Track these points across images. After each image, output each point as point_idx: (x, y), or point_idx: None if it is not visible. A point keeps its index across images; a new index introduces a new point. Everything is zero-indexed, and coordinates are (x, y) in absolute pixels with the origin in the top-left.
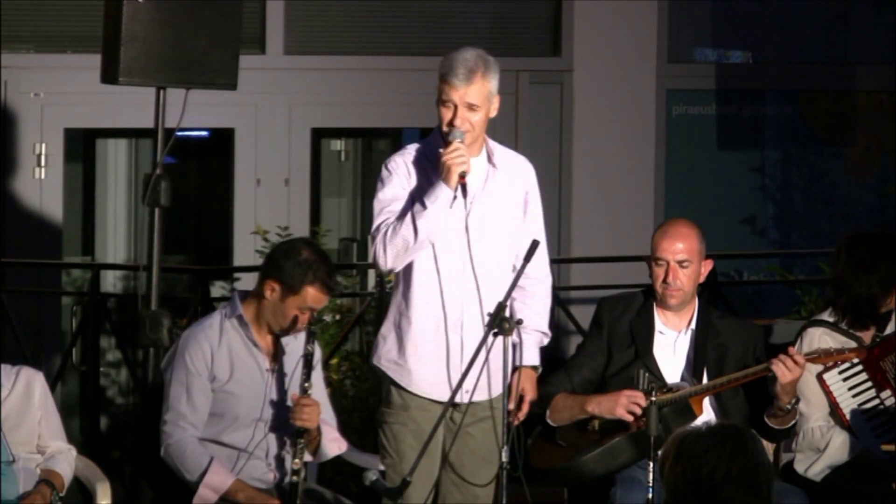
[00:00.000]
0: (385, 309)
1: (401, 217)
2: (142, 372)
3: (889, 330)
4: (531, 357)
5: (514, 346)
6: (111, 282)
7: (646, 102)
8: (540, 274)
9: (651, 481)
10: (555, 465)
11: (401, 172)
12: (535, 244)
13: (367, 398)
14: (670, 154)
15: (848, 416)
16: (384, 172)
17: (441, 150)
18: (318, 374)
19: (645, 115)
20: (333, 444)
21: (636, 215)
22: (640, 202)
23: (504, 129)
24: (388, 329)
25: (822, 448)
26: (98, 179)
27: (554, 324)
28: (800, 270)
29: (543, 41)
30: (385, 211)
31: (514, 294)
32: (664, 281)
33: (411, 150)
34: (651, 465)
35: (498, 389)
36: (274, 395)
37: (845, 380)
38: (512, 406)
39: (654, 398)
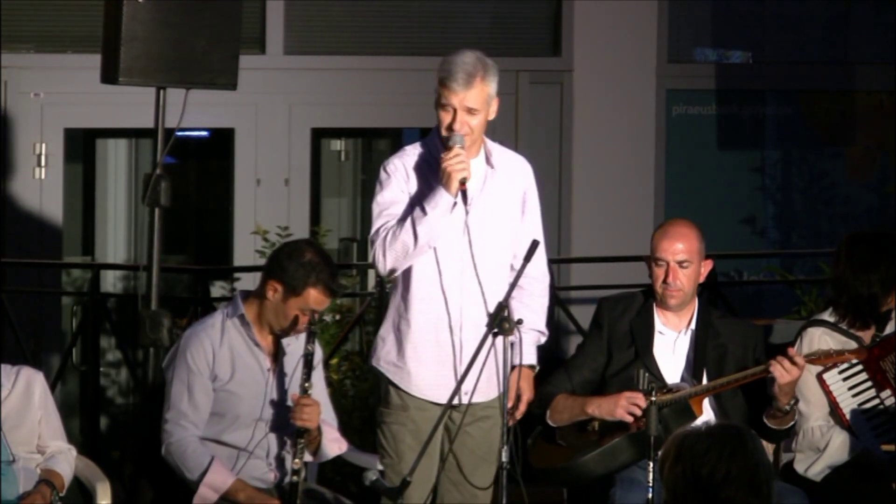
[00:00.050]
0: (385, 309)
1: (401, 221)
2: (142, 372)
3: (889, 330)
4: (528, 356)
5: (511, 345)
6: (111, 282)
7: (646, 102)
8: (538, 273)
9: (651, 481)
10: (555, 465)
11: (399, 175)
12: (535, 244)
13: (367, 398)
14: (670, 154)
15: (848, 416)
16: (383, 175)
17: (443, 156)
18: (318, 374)
19: (645, 115)
20: (334, 445)
21: (636, 215)
22: (640, 202)
23: (504, 129)
24: (386, 331)
25: (822, 448)
26: (98, 179)
27: (553, 324)
28: (800, 270)
29: (543, 41)
30: (384, 214)
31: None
32: (664, 281)
33: (410, 151)
34: (651, 465)
35: (496, 390)
36: (275, 395)
37: (845, 380)
38: (510, 405)
39: (653, 398)
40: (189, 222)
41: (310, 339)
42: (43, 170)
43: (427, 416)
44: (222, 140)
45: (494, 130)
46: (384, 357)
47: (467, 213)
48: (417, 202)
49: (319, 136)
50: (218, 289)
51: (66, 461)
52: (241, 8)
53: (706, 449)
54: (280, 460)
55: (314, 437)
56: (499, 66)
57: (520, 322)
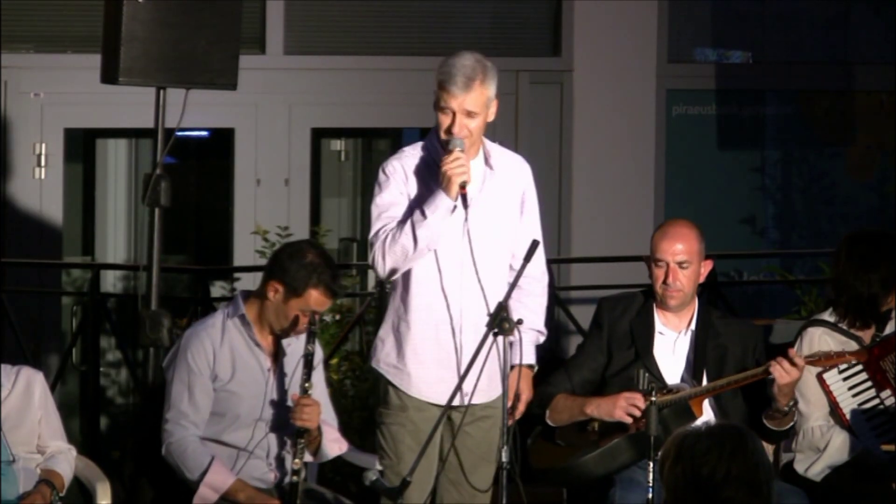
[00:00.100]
0: (384, 310)
1: (400, 223)
2: (142, 372)
3: (889, 329)
4: (527, 356)
5: (510, 344)
6: (111, 282)
7: (646, 102)
8: (536, 272)
9: (651, 481)
10: (554, 465)
11: (398, 177)
12: (535, 244)
13: (367, 398)
14: (670, 154)
15: (848, 416)
16: (381, 177)
17: (445, 159)
18: (319, 375)
19: (645, 115)
20: (334, 445)
21: (636, 215)
22: (640, 202)
23: (504, 129)
24: (386, 332)
25: (822, 448)
26: (98, 179)
27: (553, 324)
28: (800, 270)
29: (543, 41)
30: (383, 216)
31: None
32: (664, 282)
33: (409, 152)
34: (651, 465)
35: (497, 391)
36: (275, 395)
37: (845, 379)
38: (509, 404)
39: (653, 399)
40: (189, 222)
41: (310, 339)
42: (43, 170)
43: (426, 417)
44: (222, 140)
45: (494, 130)
46: (384, 359)
47: (467, 218)
48: (417, 205)
49: (319, 136)
50: (218, 289)
51: (66, 461)
52: (241, 8)
53: (706, 449)
54: (280, 460)
55: (314, 438)
56: (499, 66)
57: (520, 322)
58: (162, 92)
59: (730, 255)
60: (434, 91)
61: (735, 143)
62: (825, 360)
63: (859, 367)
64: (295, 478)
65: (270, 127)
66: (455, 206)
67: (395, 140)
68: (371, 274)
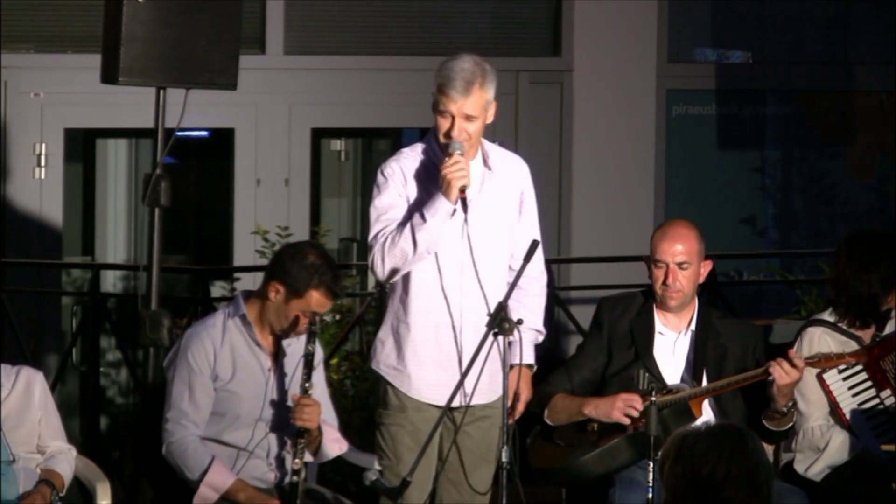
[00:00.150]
0: (384, 311)
1: (400, 226)
2: (142, 372)
3: (889, 329)
4: (526, 355)
5: (509, 344)
6: (111, 282)
7: (646, 102)
8: (535, 272)
9: (651, 481)
10: (554, 465)
11: (397, 179)
12: (535, 244)
13: (367, 398)
14: (670, 154)
15: (848, 416)
16: (380, 179)
17: (444, 162)
18: (319, 375)
19: (645, 115)
20: (334, 445)
21: (636, 215)
22: (640, 202)
23: (504, 129)
24: (385, 334)
25: (822, 447)
26: (98, 179)
27: (553, 324)
28: (800, 270)
29: (543, 41)
30: (382, 219)
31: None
32: (664, 283)
33: (407, 154)
34: (651, 465)
35: (496, 392)
36: (275, 395)
37: (845, 379)
38: (508, 404)
39: (654, 398)
40: (189, 222)
41: (310, 339)
42: (43, 170)
43: (425, 418)
44: (222, 140)
45: (494, 130)
46: (384, 360)
47: (467, 222)
48: (416, 208)
49: (319, 136)
50: (218, 289)
51: (66, 461)
52: (241, 8)
53: (706, 449)
54: (280, 460)
55: (314, 438)
56: (499, 66)
57: (520, 322)
58: (162, 92)
59: (730, 255)
60: (432, 93)
61: (735, 143)
62: (825, 362)
63: (859, 367)
64: (295, 478)
65: (270, 127)
66: (455, 210)
67: (395, 140)
68: (371, 274)
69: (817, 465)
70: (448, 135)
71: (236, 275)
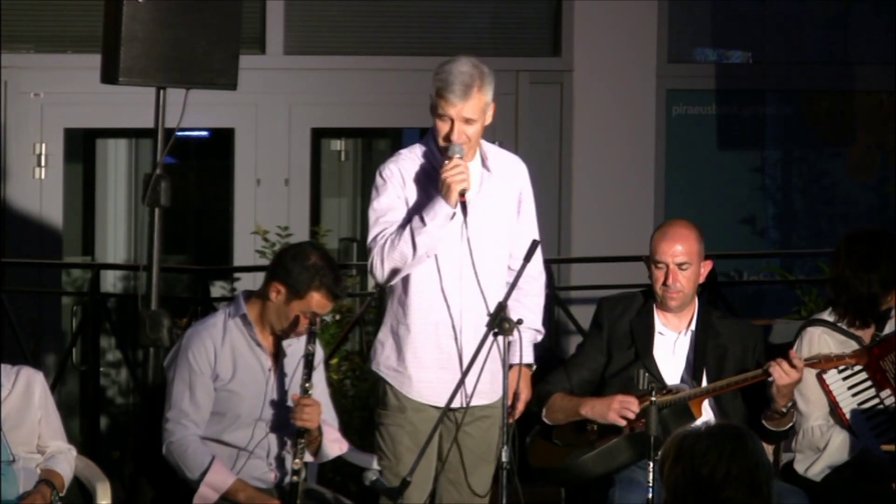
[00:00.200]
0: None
1: (399, 228)
2: (142, 372)
3: (889, 328)
4: (526, 355)
5: (508, 343)
6: (111, 282)
7: (646, 102)
8: (534, 271)
9: (651, 481)
10: (553, 465)
11: (395, 181)
12: (535, 244)
13: (367, 398)
14: (670, 154)
15: (848, 416)
16: (378, 181)
17: (444, 166)
18: (319, 375)
19: (645, 115)
20: (334, 445)
21: (636, 215)
22: (640, 202)
23: (504, 129)
24: (385, 335)
25: (822, 447)
26: (98, 179)
27: (553, 324)
28: (800, 270)
29: (543, 41)
30: (381, 221)
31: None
32: (664, 283)
33: (405, 155)
34: (651, 465)
35: (497, 392)
36: (275, 395)
37: (845, 379)
38: (508, 403)
39: (654, 398)
40: (189, 222)
41: (311, 339)
42: (43, 170)
43: (424, 418)
44: (222, 140)
45: (494, 130)
46: (384, 362)
47: (467, 226)
48: (416, 211)
49: (319, 136)
50: (218, 289)
51: (66, 461)
52: (241, 8)
53: (706, 449)
54: (280, 460)
55: (315, 438)
56: (499, 66)
57: (520, 322)
58: (162, 92)
59: (730, 255)
60: (430, 96)
61: (735, 143)
62: (825, 363)
63: (859, 367)
64: (295, 478)
65: (270, 127)
66: (454, 214)
67: (395, 140)
68: (370, 276)
69: (817, 465)
70: (448, 138)
71: (236, 275)
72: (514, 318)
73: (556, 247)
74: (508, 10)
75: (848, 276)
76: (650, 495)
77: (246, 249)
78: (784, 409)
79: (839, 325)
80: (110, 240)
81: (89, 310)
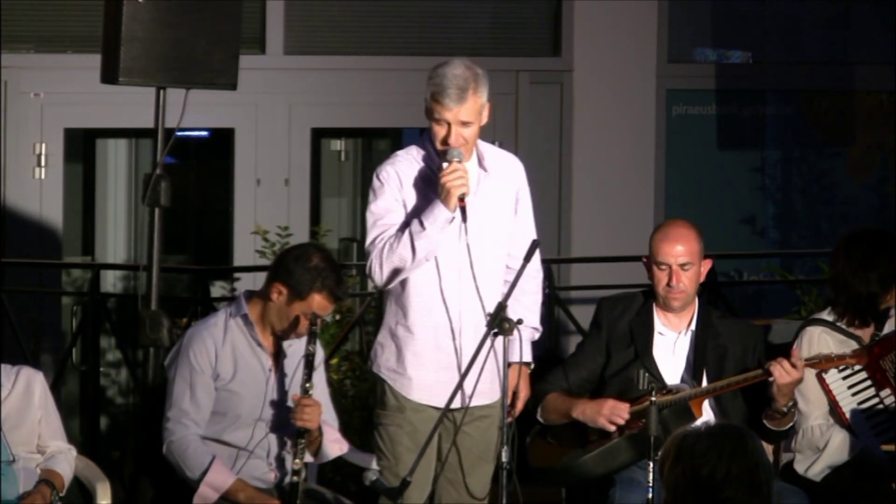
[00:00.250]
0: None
1: (398, 231)
2: (142, 372)
3: (888, 328)
4: (525, 353)
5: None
6: (111, 282)
7: (646, 102)
8: (532, 270)
9: (651, 481)
10: (553, 465)
11: (393, 183)
12: (535, 244)
13: (367, 398)
14: (670, 154)
15: (848, 415)
16: (376, 183)
17: (443, 170)
18: (320, 375)
19: (645, 115)
20: (335, 445)
21: (636, 215)
22: (640, 202)
23: (504, 129)
24: (384, 337)
25: (822, 447)
26: (98, 179)
27: (553, 323)
28: (800, 270)
29: (543, 41)
30: (379, 224)
31: (504, 290)
32: (668, 284)
33: (402, 157)
34: (651, 465)
35: (496, 392)
36: (276, 395)
37: (845, 378)
38: (507, 402)
39: (654, 398)
40: (189, 222)
41: (311, 339)
42: (43, 170)
43: (424, 418)
44: (222, 140)
45: (495, 130)
46: (384, 364)
47: (467, 231)
48: (414, 213)
49: (319, 136)
50: (218, 289)
51: (66, 461)
52: (241, 8)
53: (706, 449)
54: (280, 460)
55: (315, 438)
56: (499, 66)
57: (520, 322)
58: (162, 92)
59: (730, 255)
60: (425, 99)
61: (735, 143)
62: (825, 363)
63: (859, 367)
64: (295, 478)
65: (270, 127)
66: (453, 218)
67: (395, 140)
68: (369, 279)
69: (817, 464)
70: (445, 142)
71: (236, 275)
72: (514, 317)
73: (555, 247)
74: (508, 10)
75: (847, 275)
76: (650, 495)
77: (246, 249)
78: (785, 409)
79: (839, 324)
80: (110, 240)
81: (89, 310)
